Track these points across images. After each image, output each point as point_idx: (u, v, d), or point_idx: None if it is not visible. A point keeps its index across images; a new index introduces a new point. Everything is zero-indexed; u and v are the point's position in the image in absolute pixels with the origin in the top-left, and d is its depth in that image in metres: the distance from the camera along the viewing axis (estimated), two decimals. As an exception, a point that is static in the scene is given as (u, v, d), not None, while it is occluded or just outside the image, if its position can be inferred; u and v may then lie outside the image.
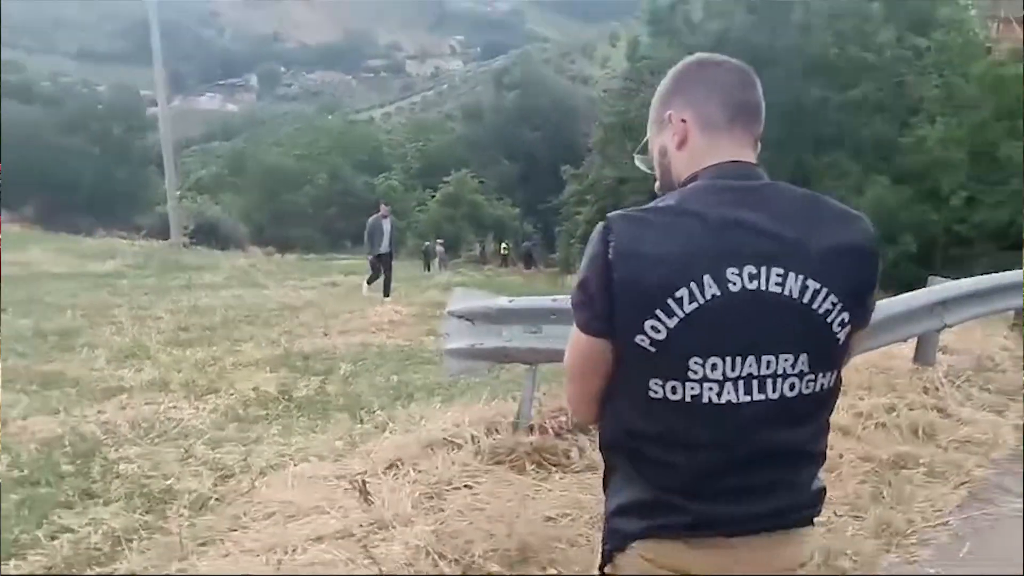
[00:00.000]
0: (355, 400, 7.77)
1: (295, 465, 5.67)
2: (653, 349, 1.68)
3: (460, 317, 5.82)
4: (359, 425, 6.85)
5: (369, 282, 18.14)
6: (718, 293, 1.65)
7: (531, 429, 5.68)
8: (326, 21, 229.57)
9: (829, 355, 1.76)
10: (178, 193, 36.13)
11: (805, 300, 1.69)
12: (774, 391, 1.72)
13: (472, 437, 5.60)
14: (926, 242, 29.49)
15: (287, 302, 15.61)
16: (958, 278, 8.27)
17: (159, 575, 4.15)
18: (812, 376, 1.74)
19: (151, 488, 5.31)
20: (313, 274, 24.22)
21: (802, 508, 1.86)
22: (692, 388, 1.70)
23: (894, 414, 6.63)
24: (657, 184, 1.97)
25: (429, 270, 37.70)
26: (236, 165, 71.42)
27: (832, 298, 1.70)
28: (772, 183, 1.81)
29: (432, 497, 4.90)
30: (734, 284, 1.66)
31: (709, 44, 34.68)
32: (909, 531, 4.89)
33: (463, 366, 5.93)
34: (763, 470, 1.76)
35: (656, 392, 1.72)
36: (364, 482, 4.83)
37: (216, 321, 12.41)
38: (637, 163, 2.08)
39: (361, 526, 4.47)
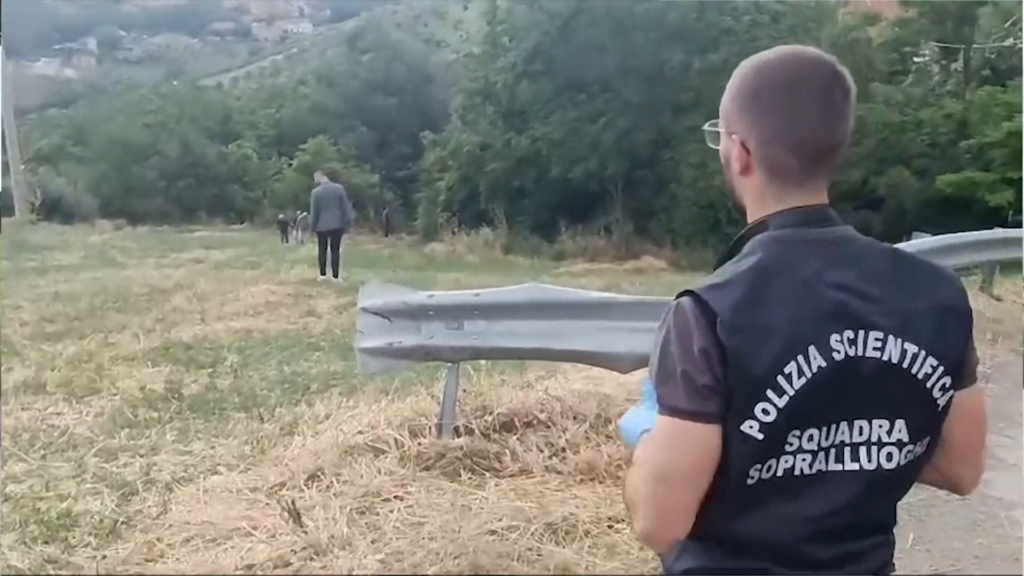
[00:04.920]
0: (250, 397, 7.36)
1: (204, 479, 5.29)
2: (761, 436, 1.47)
3: (375, 314, 5.49)
4: (261, 425, 6.48)
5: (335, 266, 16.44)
6: (823, 364, 1.47)
7: (456, 431, 5.42)
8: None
9: (928, 423, 1.59)
10: (22, 167, 34.12)
11: (904, 365, 1.52)
12: (869, 460, 1.55)
13: (396, 441, 5.30)
14: (786, 204, 30.21)
15: (154, 284, 14.90)
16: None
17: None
18: (911, 446, 1.57)
19: (47, 512, 4.86)
20: (173, 249, 23.43)
21: None
22: (786, 461, 1.51)
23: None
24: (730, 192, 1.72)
25: (287, 241, 36.92)
26: (78, 134, 68.36)
27: (931, 361, 1.53)
28: (853, 236, 1.59)
29: (364, 512, 4.60)
30: (838, 353, 1.48)
31: (569, 9, 34.64)
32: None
33: (380, 365, 5.62)
34: (856, 544, 1.58)
35: (753, 478, 1.51)
36: (294, 502, 4.48)
37: (82, 309, 11.71)
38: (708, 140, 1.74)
39: (295, 551, 4.15)
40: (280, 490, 4.93)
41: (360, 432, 5.59)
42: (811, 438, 1.51)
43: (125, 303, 12.48)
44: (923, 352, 1.53)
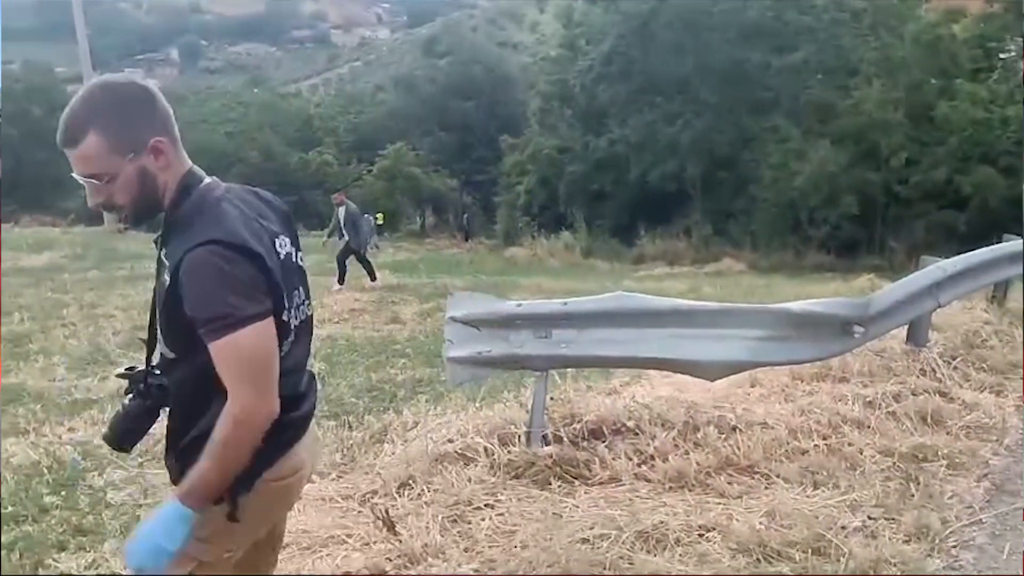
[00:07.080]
0: (339, 404, 7.48)
1: (297, 486, 5.38)
2: (285, 318, 2.39)
3: (464, 323, 5.55)
4: (350, 433, 6.56)
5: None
6: (279, 264, 2.39)
7: (545, 439, 5.45)
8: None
9: (307, 284, 2.61)
10: (110, 176, 34.74)
11: (291, 252, 2.52)
12: (305, 312, 2.57)
13: (486, 450, 5.36)
14: (867, 204, 29.68)
15: (238, 291, 15.11)
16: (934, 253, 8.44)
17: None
18: (309, 300, 2.60)
19: (147, 519, 4.99)
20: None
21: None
22: (289, 329, 2.43)
23: (901, 402, 6.51)
24: (130, 203, 2.38)
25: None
26: (163, 143, 69.52)
27: (294, 245, 2.55)
28: (231, 185, 2.53)
29: (456, 521, 4.66)
30: (280, 255, 2.44)
31: (645, 10, 34.45)
32: (947, 532, 4.74)
33: (469, 374, 5.67)
34: (305, 372, 2.63)
35: (284, 349, 2.39)
36: (387, 511, 4.55)
37: (172, 317, 11.91)
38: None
39: (390, 559, 4.22)
40: (372, 498, 5.01)
41: (450, 440, 5.65)
42: (290, 310, 2.42)
43: (213, 311, 12.67)
44: (292, 242, 2.54)
